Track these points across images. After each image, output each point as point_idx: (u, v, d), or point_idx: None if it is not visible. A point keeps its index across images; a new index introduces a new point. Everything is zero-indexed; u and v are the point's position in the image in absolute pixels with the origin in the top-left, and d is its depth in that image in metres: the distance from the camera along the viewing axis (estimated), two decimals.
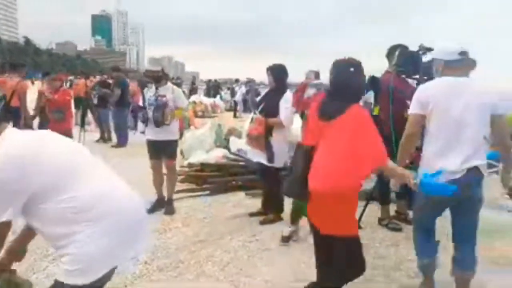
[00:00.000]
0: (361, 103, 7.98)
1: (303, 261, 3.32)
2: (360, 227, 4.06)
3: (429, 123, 2.61)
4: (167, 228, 4.08)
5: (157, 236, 3.86)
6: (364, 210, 4.18)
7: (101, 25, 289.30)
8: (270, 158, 4.03)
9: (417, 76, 3.83)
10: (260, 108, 4.17)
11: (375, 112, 3.98)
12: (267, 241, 3.75)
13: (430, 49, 3.78)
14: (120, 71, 9.83)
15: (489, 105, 2.54)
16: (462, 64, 2.64)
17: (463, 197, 2.50)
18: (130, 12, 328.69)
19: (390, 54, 4.04)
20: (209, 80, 25.95)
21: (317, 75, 3.61)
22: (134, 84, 10.17)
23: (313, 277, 3.02)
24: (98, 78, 13.92)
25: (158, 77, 4.47)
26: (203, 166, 5.63)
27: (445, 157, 2.52)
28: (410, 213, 4.41)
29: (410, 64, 3.78)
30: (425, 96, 2.63)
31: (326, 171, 2.37)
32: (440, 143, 2.55)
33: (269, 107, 4.09)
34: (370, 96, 4.53)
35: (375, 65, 4.44)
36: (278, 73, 4.18)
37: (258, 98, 4.33)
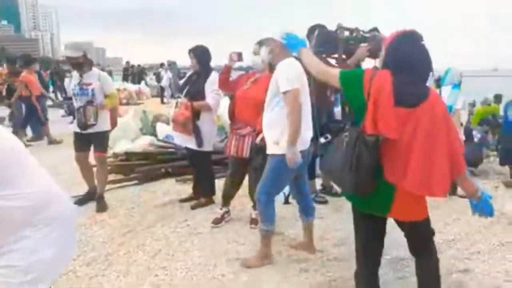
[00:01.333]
0: None
1: (235, 240, 3.38)
2: (288, 203, 4.25)
3: None
4: (93, 221, 3.89)
5: (82, 231, 3.67)
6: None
7: (7, 8, 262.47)
8: (199, 143, 3.99)
9: (336, 56, 4.00)
10: (184, 92, 4.08)
11: None
12: (198, 225, 3.74)
13: (348, 29, 3.97)
14: (32, 59, 8.97)
15: None
16: None
17: None
18: None
19: (309, 34, 4.14)
20: (129, 65, 22.21)
21: (240, 56, 3.60)
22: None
23: (245, 254, 3.10)
24: (5, 67, 12.67)
25: (79, 64, 4.05)
26: (129, 155, 5.42)
27: None
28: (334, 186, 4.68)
29: (328, 43, 3.91)
30: None
31: (421, 170, 1.89)
32: None
33: (194, 91, 4.00)
34: None
35: None
36: (201, 55, 4.05)
37: (181, 82, 4.21)
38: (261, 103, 3.19)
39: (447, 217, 4.03)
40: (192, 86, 4.04)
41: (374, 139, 1.88)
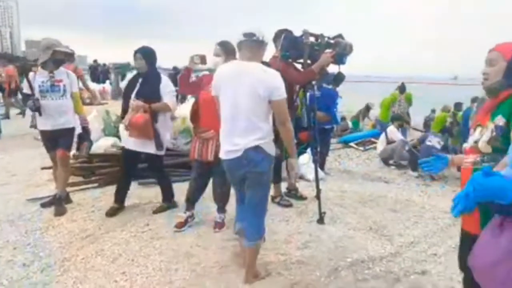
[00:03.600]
0: None
1: (198, 245, 3.33)
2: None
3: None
4: (49, 225, 3.74)
5: (38, 236, 3.53)
6: None
7: None
8: (160, 146, 3.91)
9: (302, 61, 4.03)
10: (134, 94, 3.85)
11: None
12: (160, 229, 3.66)
13: (313, 35, 4.01)
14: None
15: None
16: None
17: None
18: None
19: (276, 38, 4.15)
20: (97, 64, 21.23)
21: (203, 59, 3.56)
22: None
23: (207, 260, 3.07)
24: None
25: (61, 61, 4.15)
26: (90, 156, 5.24)
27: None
28: (299, 190, 4.73)
29: (294, 48, 3.94)
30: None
31: None
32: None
33: (148, 92, 3.82)
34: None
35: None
36: (150, 56, 3.92)
37: (123, 83, 4.05)
38: None
39: (406, 221, 4.14)
40: (144, 88, 3.85)
41: None
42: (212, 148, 3.43)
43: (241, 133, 2.58)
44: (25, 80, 4.33)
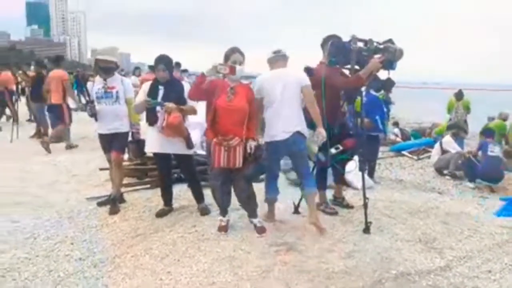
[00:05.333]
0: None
1: (241, 248, 3.39)
2: (298, 212, 4.24)
3: None
4: (104, 223, 3.98)
5: (93, 233, 3.77)
6: (301, 198, 4.34)
7: (37, 12, 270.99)
8: (191, 144, 4.10)
9: (349, 66, 3.99)
10: (160, 98, 3.98)
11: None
12: (206, 231, 3.76)
13: (362, 40, 3.96)
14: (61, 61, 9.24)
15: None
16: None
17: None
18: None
19: (324, 44, 4.15)
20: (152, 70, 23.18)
21: (232, 69, 3.55)
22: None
23: (249, 264, 3.11)
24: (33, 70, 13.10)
25: (110, 69, 4.39)
26: (144, 159, 5.51)
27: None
28: (346, 198, 4.65)
29: (341, 54, 3.91)
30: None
31: None
32: None
33: (174, 98, 3.95)
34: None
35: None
36: (171, 66, 4.14)
37: (146, 90, 4.08)
38: (246, 114, 3.52)
39: (459, 234, 3.94)
40: (169, 94, 3.96)
41: None
42: (240, 154, 3.45)
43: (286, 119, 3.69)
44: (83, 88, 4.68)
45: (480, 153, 6.62)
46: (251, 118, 3.58)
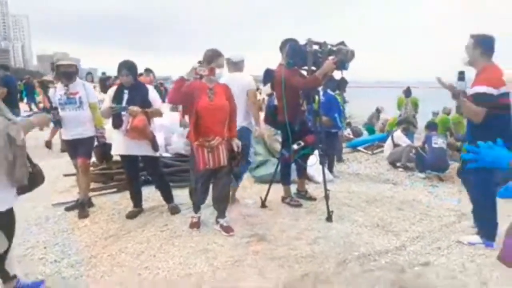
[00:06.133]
0: (264, 95, 8.43)
1: (214, 242, 3.57)
2: (265, 206, 4.47)
3: None
4: (75, 227, 4.01)
5: (65, 236, 3.79)
6: (268, 191, 4.58)
7: None
8: (156, 147, 4.21)
9: (306, 67, 4.27)
10: (125, 102, 4.06)
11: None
12: (179, 228, 3.90)
13: (317, 43, 4.26)
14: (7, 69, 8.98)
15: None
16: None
17: None
18: (11, 2, 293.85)
19: (282, 47, 4.41)
20: (106, 76, 21.91)
21: (212, 71, 3.69)
22: None
23: (223, 255, 3.30)
24: None
25: (71, 73, 4.39)
26: (109, 163, 5.52)
27: None
28: (309, 191, 4.94)
29: (298, 56, 4.19)
30: None
31: None
32: None
33: (139, 101, 4.05)
34: (267, 87, 4.94)
35: None
36: (135, 70, 4.20)
37: (112, 95, 4.12)
38: (228, 112, 3.67)
39: (412, 218, 4.32)
40: (134, 98, 4.05)
41: None
42: (223, 153, 3.58)
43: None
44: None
45: (426, 145, 7.18)
46: (231, 118, 3.73)
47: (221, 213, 3.89)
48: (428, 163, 6.92)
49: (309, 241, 3.63)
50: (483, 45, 3.35)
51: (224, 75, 4.08)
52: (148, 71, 10.13)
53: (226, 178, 3.80)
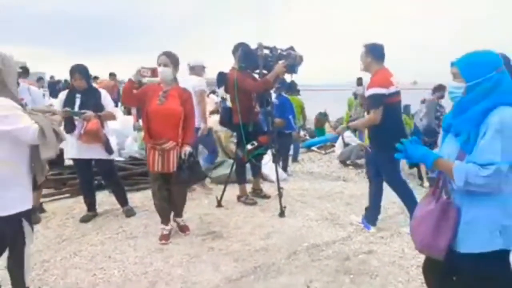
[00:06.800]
0: (217, 98, 8.53)
1: (170, 241, 3.64)
2: (221, 206, 4.59)
3: None
4: None
5: None
6: (224, 191, 4.70)
7: None
8: (110, 150, 4.21)
9: (258, 71, 4.45)
10: (78, 107, 4.05)
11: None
12: (134, 230, 3.94)
13: (267, 47, 4.44)
14: None
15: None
16: None
17: None
18: None
19: (235, 51, 4.56)
20: (55, 80, 20.65)
21: (154, 72, 3.73)
22: None
23: (179, 253, 3.39)
24: None
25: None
26: (61, 169, 5.42)
27: None
28: (264, 190, 5.11)
29: (250, 60, 4.36)
30: None
31: None
32: None
33: (92, 105, 4.05)
34: (221, 90, 5.08)
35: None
36: (87, 74, 4.18)
37: (63, 99, 4.11)
38: (179, 116, 3.50)
39: (359, 211, 4.58)
40: (87, 102, 4.05)
41: None
42: (174, 159, 3.48)
43: None
44: None
45: None
46: (186, 122, 3.57)
47: (177, 213, 3.94)
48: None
49: (262, 236, 3.79)
50: (373, 52, 3.71)
51: (184, 77, 4.27)
52: (112, 75, 10.00)
53: (178, 186, 3.69)
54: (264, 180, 5.77)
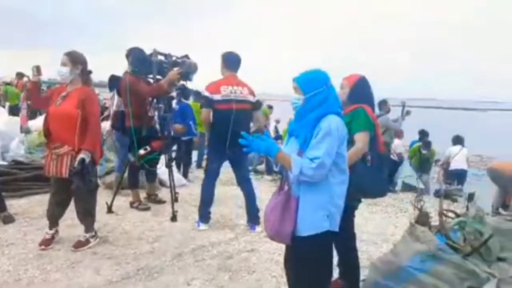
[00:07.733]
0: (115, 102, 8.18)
1: (50, 247, 3.53)
2: (112, 212, 4.53)
3: None
4: None
5: None
6: (114, 196, 4.64)
7: None
8: None
9: (151, 76, 4.50)
10: None
11: None
12: (11, 237, 3.72)
13: (162, 54, 4.52)
14: None
15: None
16: None
17: None
18: None
19: (128, 55, 4.56)
20: None
21: (38, 70, 3.55)
22: None
23: (58, 259, 3.29)
24: None
25: None
26: None
27: None
28: (160, 195, 5.14)
29: (143, 65, 4.40)
30: None
31: None
32: None
33: None
34: (114, 93, 5.03)
35: None
36: None
37: None
38: (75, 119, 3.28)
39: None
40: None
41: None
42: (67, 164, 3.31)
43: None
44: None
45: None
46: (87, 126, 3.33)
47: (88, 228, 3.63)
48: (272, 165, 7.76)
49: (150, 240, 3.84)
50: (225, 60, 4.19)
51: None
52: (20, 75, 9.21)
53: (77, 193, 3.42)
54: (162, 186, 5.79)
